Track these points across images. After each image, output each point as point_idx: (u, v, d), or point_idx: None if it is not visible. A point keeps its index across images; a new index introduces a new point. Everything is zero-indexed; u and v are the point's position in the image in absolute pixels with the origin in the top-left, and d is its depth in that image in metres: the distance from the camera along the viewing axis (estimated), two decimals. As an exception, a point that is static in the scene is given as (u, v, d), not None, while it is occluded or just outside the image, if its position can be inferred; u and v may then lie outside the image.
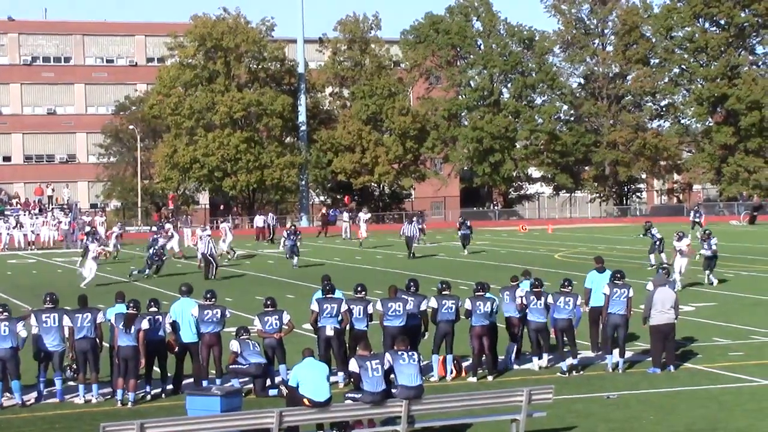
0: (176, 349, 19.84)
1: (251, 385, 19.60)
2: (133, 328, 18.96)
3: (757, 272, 39.89)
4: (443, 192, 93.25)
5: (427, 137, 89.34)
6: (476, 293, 21.04)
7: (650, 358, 21.55)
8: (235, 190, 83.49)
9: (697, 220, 61.39)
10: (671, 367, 21.17)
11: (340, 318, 20.42)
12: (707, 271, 35.92)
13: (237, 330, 20.12)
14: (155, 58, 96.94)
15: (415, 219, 54.33)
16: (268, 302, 20.70)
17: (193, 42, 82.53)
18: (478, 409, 16.40)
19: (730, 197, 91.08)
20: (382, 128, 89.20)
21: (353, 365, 16.01)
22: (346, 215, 68.96)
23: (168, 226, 53.09)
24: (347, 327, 20.56)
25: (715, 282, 35.58)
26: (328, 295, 20.71)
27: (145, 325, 19.12)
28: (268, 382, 19.67)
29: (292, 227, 47.77)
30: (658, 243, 41.31)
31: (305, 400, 15.60)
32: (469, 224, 52.13)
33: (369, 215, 63.94)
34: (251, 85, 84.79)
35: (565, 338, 21.26)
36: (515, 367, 21.68)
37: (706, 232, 36.93)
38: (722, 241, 44.77)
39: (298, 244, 45.26)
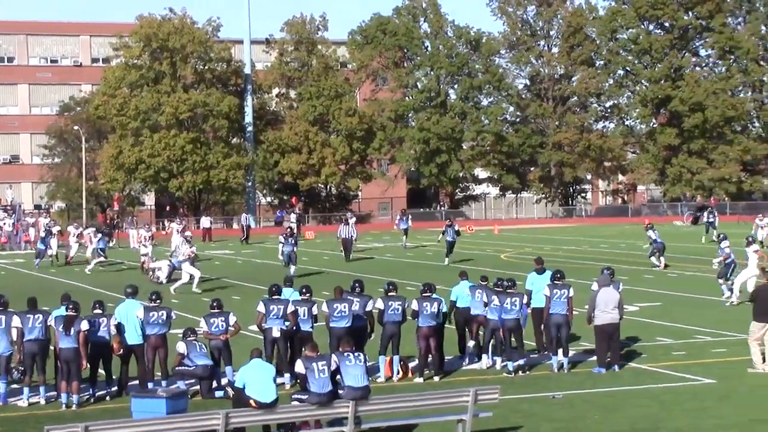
0: (121, 351, 19.73)
1: (197, 387, 19.54)
2: (72, 329, 18.82)
3: (701, 272, 40.30)
4: (390, 193, 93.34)
5: (373, 138, 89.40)
6: (423, 294, 21.14)
7: (595, 358, 21.75)
8: (181, 191, 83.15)
9: (711, 220, 57.02)
10: (616, 367, 21.36)
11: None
12: (721, 280, 32.17)
13: (184, 331, 20.06)
14: (100, 58, 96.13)
15: (401, 215, 55.10)
16: (215, 304, 20.65)
17: (139, 42, 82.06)
18: (425, 410, 16.46)
19: (674, 198, 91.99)
20: (329, 129, 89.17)
21: (299, 366, 16.02)
22: (292, 216, 68.85)
23: (75, 231, 51.00)
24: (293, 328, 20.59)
25: (728, 293, 31.42)
26: (274, 297, 20.72)
27: (84, 326, 18.96)
28: (215, 383, 19.62)
29: (289, 230, 43.71)
30: (652, 245, 42.04)
31: (252, 402, 15.59)
32: (456, 228, 46.74)
33: (354, 218, 59.77)
34: (197, 86, 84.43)
35: (513, 338, 21.40)
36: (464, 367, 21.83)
37: (720, 235, 34.55)
38: (665, 242, 45.22)
39: (296, 249, 41.47)
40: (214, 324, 20.13)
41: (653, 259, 42.25)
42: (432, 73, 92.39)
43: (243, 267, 45.62)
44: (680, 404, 18.50)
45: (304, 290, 21.09)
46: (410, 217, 58.03)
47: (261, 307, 20.55)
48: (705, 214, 59.13)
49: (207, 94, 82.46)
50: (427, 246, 55.69)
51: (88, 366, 19.22)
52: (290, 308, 20.43)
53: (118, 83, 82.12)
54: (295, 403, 15.89)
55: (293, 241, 41.15)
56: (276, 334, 20.33)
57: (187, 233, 42.47)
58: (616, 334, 21.56)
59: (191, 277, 36.30)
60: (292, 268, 39.43)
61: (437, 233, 67.77)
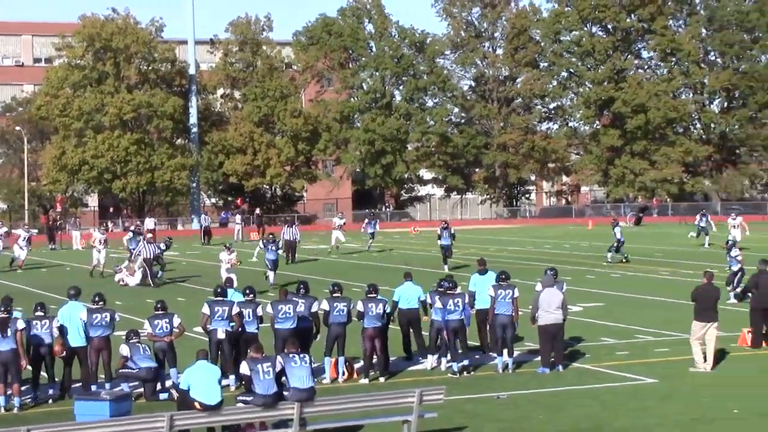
0: (63, 353, 19.56)
1: (141, 390, 19.43)
2: (9, 330, 18.60)
3: (643, 273, 40.67)
4: (335, 194, 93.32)
5: (319, 139, 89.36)
6: (368, 295, 21.18)
7: (539, 358, 21.87)
8: (125, 192, 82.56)
9: (703, 225, 53.35)
10: (560, 367, 21.50)
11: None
12: (729, 287, 31.17)
13: (126, 334, 19.94)
14: (43, 58, 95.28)
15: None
16: (159, 305, 20.55)
17: (82, 42, 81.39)
18: (370, 411, 16.46)
19: (617, 199, 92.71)
20: (274, 130, 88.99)
21: (244, 368, 16.00)
22: (238, 217, 68.68)
23: (25, 234, 49.73)
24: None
25: (734, 300, 30.61)
26: (218, 298, 20.70)
27: (20, 324, 18.76)
28: (159, 386, 19.53)
29: (270, 236, 40.65)
30: (616, 244, 43.63)
31: (196, 404, 15.53)
32: (453, 231, 43.46)
33: (344, 220, 56.57)
34: (141, 87, 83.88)
35: (457, 339, 21.49)
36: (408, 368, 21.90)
37: (729, 242, 33.98)
38: (609, 243, 45.60)
39: (281, 253, 40.10)
40: (158, 326, 20.04)
41: (609, 254, 43.72)
42: (377, 74, 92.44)
43: (188, 268, 45.37)
44: (623, 404, 18.67)
45: (248, 291, 21.08)
46: (377, 221, 57.35)
47: (206, 309, 20.53)
48: (698, 216, 54.62)
49: (151, 95, 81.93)
50: (392, 250, 55.64)
51: (30, 368, 19.03)
52: (235, 309, 20.40)
53: (61, 83, 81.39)
54: (240, 404, 15.85)
55: (275, 248, 38.58)
56: (221, 335, 20.29)
57: (149, 235, 42.24)
58: (560, 335, 21.70)
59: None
60: (272, 276, 37.67)
61: (385, 234, 67.94)
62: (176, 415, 15.09)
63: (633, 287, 35.69)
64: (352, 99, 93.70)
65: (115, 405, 16.63)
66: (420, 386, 16.89)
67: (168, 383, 19.66)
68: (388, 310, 21.35)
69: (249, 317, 20.52)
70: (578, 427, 17.12)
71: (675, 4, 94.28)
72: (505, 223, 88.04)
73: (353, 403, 16.24)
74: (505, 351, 21.58)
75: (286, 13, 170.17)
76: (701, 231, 53.52)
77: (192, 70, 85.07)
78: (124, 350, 19.47)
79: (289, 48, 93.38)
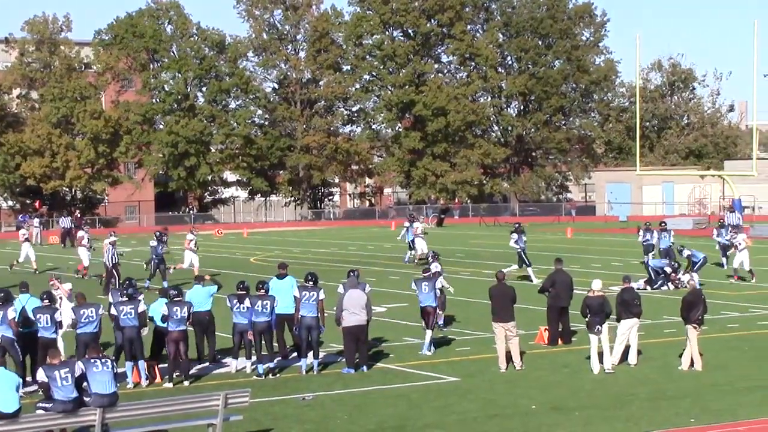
0: None
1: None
2: None
3: (445, 273, 41.28)
4: (137, 196, 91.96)
5: (120, 141, 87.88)
6: (174, 299, 21.00)
7: (344, 359, 22.06)
8: None
9: (650, 240, 39.75)
10: (364, 367, 21.74)
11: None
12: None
13: None
14: None
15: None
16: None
17: None
18: (175, 415, 16.35)
19: (419, 200, 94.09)
20: (74, 132, 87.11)
21: (41, 375, 15.66)
22: (36, 221, 66.98)
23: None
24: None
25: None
26: None
27: None
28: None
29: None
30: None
31: (-7, 413, 15.11)
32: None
33: (422, 224, 49.14)
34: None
35: (264, 341, 21.50)
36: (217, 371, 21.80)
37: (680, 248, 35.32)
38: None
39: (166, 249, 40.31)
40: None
41: (514, 267, 38.53)
42: (179, 75, 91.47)
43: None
44: (427, 402, 19.01)
45: (44, 297, 20.66)
46: (416, 218, 48.14)
47: None
48: (641, 232, 40.77)
49: (-58, 95, 79.21)
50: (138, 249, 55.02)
51: None
52: (10, 314, 19.98)
53: None
54: (40, 411, 15.50)
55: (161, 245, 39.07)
56: (-4, 341, 20.01)
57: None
58: (364, 336, 21.94)
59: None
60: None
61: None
62: (-28, 425, 14.67)
63: (435, 287, 36.20)
64: (154, 101, 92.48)
65: None
66: (225, 389, 16.85)
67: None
68: (193, 313, 21.27)
69: (47, 323, 20.13)
70: (383, 426, 17.36)
71: (473, 9, 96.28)
72: (309, 225, 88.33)
73: (157, 408, 16.07)
74: (310, 353, 21.70)
75: (84, 13, 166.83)
76: (650, 247, 39.73)
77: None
78: None
79: (89, 48, 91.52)
